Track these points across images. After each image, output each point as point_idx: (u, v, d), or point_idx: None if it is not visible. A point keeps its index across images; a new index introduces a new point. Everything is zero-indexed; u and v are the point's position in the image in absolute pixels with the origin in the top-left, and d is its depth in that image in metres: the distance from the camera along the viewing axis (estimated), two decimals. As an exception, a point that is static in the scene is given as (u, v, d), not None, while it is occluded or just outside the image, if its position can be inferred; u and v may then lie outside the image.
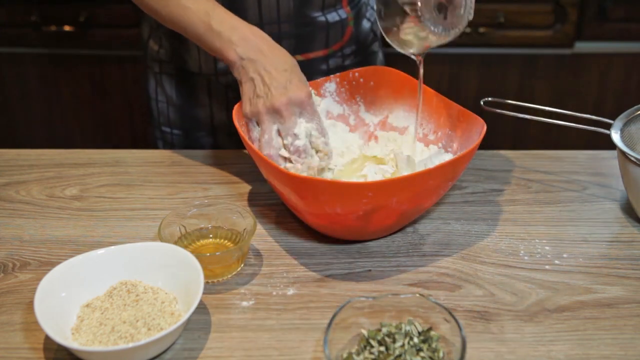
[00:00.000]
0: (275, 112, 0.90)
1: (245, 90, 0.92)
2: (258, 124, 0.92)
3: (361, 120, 1.06)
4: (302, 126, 0.91)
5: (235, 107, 0.94)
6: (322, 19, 1.11)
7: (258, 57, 0.91)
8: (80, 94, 2.01)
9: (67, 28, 1.89)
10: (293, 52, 1.04)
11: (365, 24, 1.20)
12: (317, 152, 0.93)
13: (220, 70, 1.12)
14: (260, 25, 1.04)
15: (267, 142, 0.91)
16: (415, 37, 0.88)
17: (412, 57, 0.92)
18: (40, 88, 2.01)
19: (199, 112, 1.18)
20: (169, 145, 1.23)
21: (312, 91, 0.95)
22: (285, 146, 0.91)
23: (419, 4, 0.83)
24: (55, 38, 1.91)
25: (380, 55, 1.26)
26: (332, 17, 1.12)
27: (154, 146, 1.25)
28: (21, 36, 1.92)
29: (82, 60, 1.96)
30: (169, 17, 0.96)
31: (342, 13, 1.13)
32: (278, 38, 1.05)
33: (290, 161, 0.91)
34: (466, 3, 0.85)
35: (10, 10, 1.89)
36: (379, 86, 1.04)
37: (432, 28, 0.84)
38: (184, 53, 1.13)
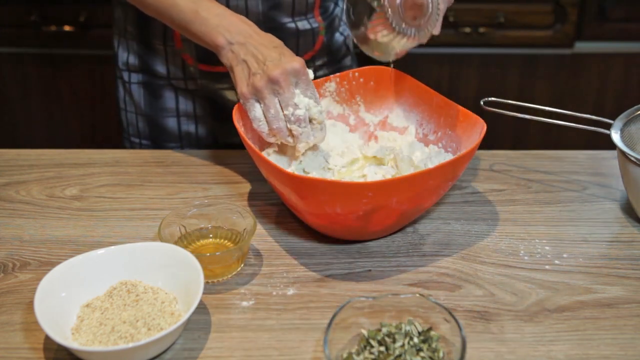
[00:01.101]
0: (274, 84, 0.89)
1: (238, 72, 0.92)
2: (259, 100, 0.91)
3: (361, 120, 1.06)
4: (300, 96, 0.90)
5: (235, 107, 0.94)
6: (292, 25, 1.10)
7: (247, 40, 0.92)
8: (80, 94, 2.01)
9: (67, 28, 1.89)
10: None
11: (338, 37, 1.20)
12: (311, 121, 0.92)
13: (188, 75, 1.12)
14: None
15: (274, 116, 0.90)
16: (384, 39, 0.87)
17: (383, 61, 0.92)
18: (40, 88, 2.00)
19: (167, 122, 1.17)
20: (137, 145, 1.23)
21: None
22: (285, 116, 0.90)
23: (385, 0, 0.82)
24: (55, 38, 1.91)
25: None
26: (303, 24, 1.11)
27: None
28: (21, 36, 1.92)
29: (82, 60, 1.96)
30: (155, 5, 0.97)
31: (313, 22, 1.13)
32: None
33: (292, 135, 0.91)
34: (433, 2, 0.84)
35: (10, 10, 1.89)
36: (379, 86, 1.04)
37: (399, 28, 0.84)
38: (152, 58, 1.13)
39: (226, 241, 0.90)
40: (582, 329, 0.78)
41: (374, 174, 0.95)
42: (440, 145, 0.98)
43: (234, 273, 0.86)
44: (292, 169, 0.94)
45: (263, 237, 0.92)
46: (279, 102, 0.90)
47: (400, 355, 0.69)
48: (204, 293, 0.79)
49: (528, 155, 1.11)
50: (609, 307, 0.81)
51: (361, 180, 0.95)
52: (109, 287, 0.80)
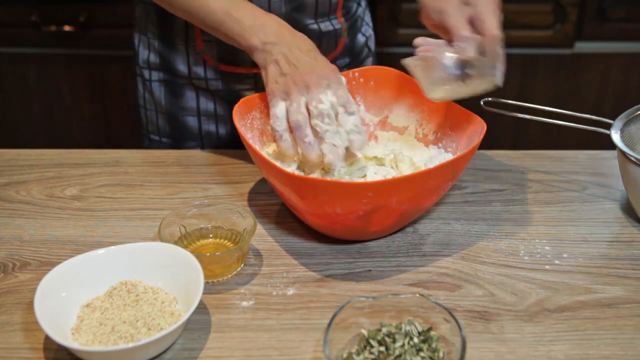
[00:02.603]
0: (304, 86, 0.89)
1: (270, 71, 0.92)
2: (286, 99, 0.90)
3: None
4: (327, 94, 0.90)
5: (235, 107, 0.94)
6: (315, 27, 1.10)
7: (280, 40, 0.92)
8: (80, 94, 2.01)
9: (67, 28, 1.89)
10: None
11: (360, 38, 1.19)
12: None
13: (209, 75, 1.12)
14: None
15: (296, 109, 0.89)
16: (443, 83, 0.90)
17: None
18: (40, 88, 2.00)
19: (187, 120, 1.17)
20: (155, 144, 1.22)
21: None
22: (309, 112, 0.89)
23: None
24: (55, 38, 1.91)
25: None
26: (326, 26, 1.11)
27: None
28: (21, 36, 1.92)
29: (82, 60, 1.96)
30: (187, 9, 0.96)
31: (336, 23, 1.12)
32: None
33: (316, 135, 0.89)
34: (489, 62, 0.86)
35: (10, 10, 1.89)
36: (379, 86, 1.04)
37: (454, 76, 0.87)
38: (174, 58, 1.13)
39: (226, 241, 0.90)
40: (582, 329, 0.78)
41: (374, 174, 0.95)
42: (440, 145, 0.98)
43: (234, 273, 0.86)
44: (292, 168, 0.94)
45: (263, 237, 0.92)
46: (306, 100, 0.90)
47: (400, 355, 0.69)
48: (204, 293, 0.79)
49: (528, 155, 1.11)
50: (609, 307, 0.81)
51: (361, 180, 0.95)
52: (109, 287, 0.80)
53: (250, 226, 0.86)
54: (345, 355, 0.71)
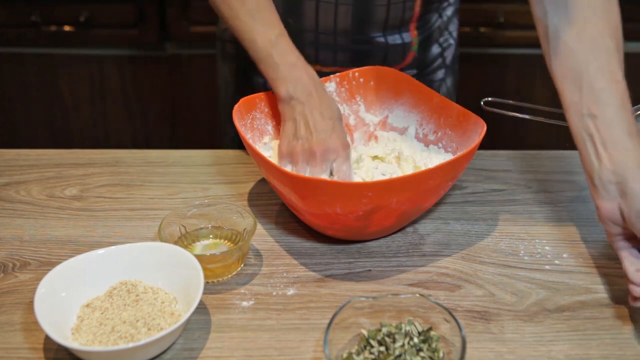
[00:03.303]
0: (311, 156, 0.90)
1: (287, 128, 0.92)
2: (291, 162, 0.92)
3: (361, 120, 1.05)
4: (329, 169, 0.91)
5: (235, 107, 0.94)
6: (382, 39, 1.08)
7: (307, 99, 0.92)
8: (80, 94, 2.01)
9: (67, 28, 1.89)
10: (348, 64, 1.03)
11: (435, 49, 1.16)
12: None
13: None
14: (316, 33, 1.04)
15: None
16: None
17: None
18: (40, 88, 2.00)
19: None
20: (235, 143, 1.20)
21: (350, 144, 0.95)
22: None
23: None
24: (55, 38, 1.91)
25: (447, 84, 1.20)
26: (394, 39, 1.09)
27: (218, 145, 1.23)
28: (21, 36, 1.92)
29: (82, 60, 1.96)
30: (235, 29, 0.96)
31: (406, 37, 1.10)
32: (333, 49, 1.05)
33: None
34: None
35: (10, 10, 1.89)
36: (379, 86, 1.04)
37: None
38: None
39: (226, 241, 0.90)
40: (582, 329, 0.78)
41: (374, 169, 0.96)
42: (440, 145, 0.98)
43: (234, 273, 0.86)
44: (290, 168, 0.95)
45: (263, 237, 0.92)
46: (309, 171, 0.91)
47: (400, 355, 0.69)
48: (204, 293, 0.79)
49: (528, 155, 1.11)
50: (609, 307, 0.81)
51: (358, 173, 0.95)
52: (109, 287, 0.80)
53: (250, 226, 0.86)
54: (345, 355, 0.71)
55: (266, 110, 0.98)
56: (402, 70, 1.12)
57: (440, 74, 1.19)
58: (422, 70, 1.16)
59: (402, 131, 1.04)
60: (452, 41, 1.18)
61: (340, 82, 1.04)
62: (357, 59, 1.08)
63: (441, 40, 1.16)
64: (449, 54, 1.19)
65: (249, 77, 1.16)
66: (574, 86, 0.84)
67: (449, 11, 1.15)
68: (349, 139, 0.96)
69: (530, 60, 1.93)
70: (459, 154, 0.93)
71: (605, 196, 0.79)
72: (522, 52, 1.93)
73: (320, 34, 1.05)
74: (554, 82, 0.86)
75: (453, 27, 1.18)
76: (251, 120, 0.97)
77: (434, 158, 0.96)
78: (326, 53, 1.07)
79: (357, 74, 1.04)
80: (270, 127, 0.99)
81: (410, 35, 1.10)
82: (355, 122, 1.06)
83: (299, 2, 1.03)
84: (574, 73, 0.84)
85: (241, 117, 0.94)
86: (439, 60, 1.17)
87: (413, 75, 1.14)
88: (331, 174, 0.92)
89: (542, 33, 0.88)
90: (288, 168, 0.92)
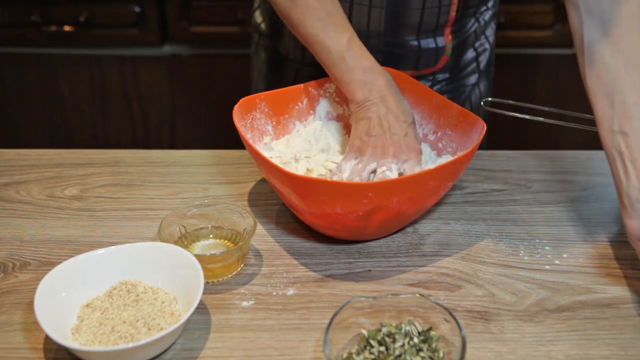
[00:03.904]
0: (382, 153, 0.90)
1: (359, 127, 0.92)
2: (359, 157, 0.91)
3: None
4: (400, 166, 0.91)
5: (235, 107, 0.94)
6: (415, 43, 1.07)
7: (382, 101, 0.91)
8: (80, 94, 2.01)
9: (67, 28, 1.89)
10: (380, 65, 1.03)
11: (470, 54, 1.14)
12: None
13: (306, 58, 1.11)
14: None
15: (359, 170, 0.90)
16: None
17: None
18: (40, 88, 2.01)
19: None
20: None
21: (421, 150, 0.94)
22: (374, 173, 0.90)
23: None
24: (55, 38, 1.91)
25: (480, 89, 1.18)
26: (427, 43, 1.07)
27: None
28: (21, 36, 1.92)
29: (82, 60, 1.96)
30: (306, 36, 0.94)
31: (440, 41, 1.08)
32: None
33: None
34: None
35: (10, 10, 1.89)
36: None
37: None
38: (279, 34, 1.13)
39: (226, 241, 0.90)
40: (582, 329, 0.78)
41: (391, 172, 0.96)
42: (440, 145, 0.98)
43: (234, 273, 0.86)
44: (290, 167, 0.95)
45: (263, 237, 0.92)
46: (375, 166, 0.90)
47: (400, 355, 0.69)
48: (204, 293, 0.79)
49: (528, 155, 1.11)
50: (609, 307, 0.81)
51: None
52: (109, 287, 0.80)
53: (250, 226, 0.86)
54: (345, 355, 0.71)
55: (266, 110, 0.98)
56: (434, 74, 1.12)
57: (473, 78, 1.17)
58: (455, 75, 1.14)
59: (402, 131, 1.04)
60: (487, 46, 1.16)
61: (340, 82, 1.04)
62: (390, 61, 1.06)
63: (477, 44, 1.15)
64: (484, 59, 1.17)
65: (281, 70, 1.16)
66: (606, 101, 0.83)
67: (486, 15, 1.13)
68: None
69: (530, 60, 1.93)
70: (458, 154, 0.93)
71: (633, 214, 0.79)
72: (522, 52, 1.93)
73: None
74: (587, 95, 0.85)
75: (490, 32, 1.16)
76: (251, 121, 0.97)
77: (434, 158, 0.96)
78: None
79: None
80: (270, 128, 0.99)
81: (445, 40, 1.09)
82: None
83: None
84: (606, 88, 0.83)
85: (241, 117, 0.94)
86: (473, 65, 1.16)
87: (445, 79, 1.13)
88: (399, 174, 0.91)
89: (578, 45, 0.86)
90: (351, 162, 0.91)
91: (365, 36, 1.03)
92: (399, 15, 1.03)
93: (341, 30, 0.93)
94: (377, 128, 0.90)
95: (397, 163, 0.90)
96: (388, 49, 1.07)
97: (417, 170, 0.90)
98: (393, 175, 0.89)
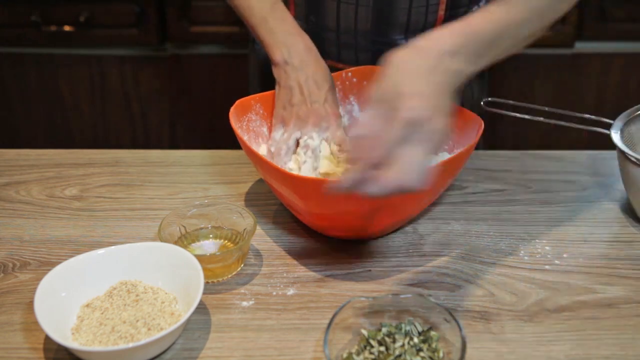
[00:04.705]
0: (303, 122, 0.93)
1: (282, 94, 0.95)
2: (284, 127, 0.95)
3: (355, 120, 1.05)
4: (321, 133, 0.94)
5: (232, 109, 0.93)
6: (403, 42, 1.06)
7: (301, 65, 0.94)
8: (80, 94, 2.01)
9: (67, 28, 1.89)
10: (370, 64, 1.03)
11: None
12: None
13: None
14: (337, 33, 1.05)
15: (285, 139, 0.93)
16: None
17: None
18: (40, 88, 2.00)
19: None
20: None
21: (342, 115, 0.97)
22: (297, 141, 0.94)
23: None
24: (55, 38, 1.91)
25: (472, 89, 1.16)
26: None
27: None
28: (21, 36, 1.92)
29: (82, 60, 1.96)
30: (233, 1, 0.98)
31: None
32: (354, 49, 1.06)
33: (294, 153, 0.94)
34: None
35: (10, 10, 1.89)
36: (372, 86, 1.04)
37: None
38: None
39: (226, 241, 0.90)
40: (582, 329, 0.78)
41: None
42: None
43: (234, 273, 0.86)
44: (288, 168, 0.94)
45: (263, 237, 0.92)
46: (299, 134, 0.94)
47: (400, 355, 0.69)
48: (204, 293, 0.79)
49: (528, 155, 1.11)
50: (609, 307, 0.81)
51: None
52: (109, 287, 0.80)
53: (250, 226, 0.86)
54: (345, 355, 0.71)
55: (261, 112, 0.98)
56: None
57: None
58: None
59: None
60: None
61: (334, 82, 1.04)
62: (378, 61, 1.06)
63: None
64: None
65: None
66: None
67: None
68: (341, 109, 0.99)
69: (530, 60, 1.93)
70: (455, 151, 0.93)
71: None
72: (522, 52, 1.92)
73: (341, 34, 1.05)
74: None
75: None
76: (247, 123, 0.96)
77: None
78: (348, 52, 1.07)
79: (350, 74, 1.03)
80: (265, 130, 0.99)
81: None
82: (350, 123, 1.05)
83: (321, 1, 1.03)
84: None
85: (237, 119, 0.94)
86: None
87: None
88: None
89: None
90: (279, 132, 0.95)
91: (354, 35, 1.04)
92: (385, 14, 1.03)
93: None
94: (298, 96, 0.93)
95: (319, 131, 0.94)
96: (377, 48, 1.07)
97: (339, 134, 0.93)
98: (315, 143, 0.93)
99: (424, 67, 0.70)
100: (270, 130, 1.00)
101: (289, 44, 0.94)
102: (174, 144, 2.05)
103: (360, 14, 1.03)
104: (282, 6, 0.97)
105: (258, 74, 1.21)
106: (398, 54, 0.72)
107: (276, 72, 0.95)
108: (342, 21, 1.04)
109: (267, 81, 1.18)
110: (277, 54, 0.94)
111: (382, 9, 1.02)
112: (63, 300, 0.77)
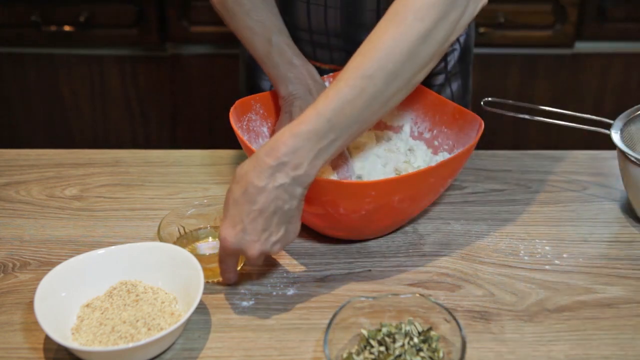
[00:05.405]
0: None
1: (283, 119, 0.96)
2: None
3: None
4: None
5: (232, 109, 0.93)
6: None
7: (306, 96, 0.96)
8: (80, 94, 2.01)
9: (67, 28, 1.89)
10: (344, 62, 1.04)
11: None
12: None
13: None
14: (310, 33, 1.05)
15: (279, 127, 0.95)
16: None
17: None
18: (40, 88, 2.00)
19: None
20: None
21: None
22: None
23: None
24: (55, 38, 1.91)
25: (451, 89, 1.15)
26: None
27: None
28: (21, 36, 1.92)
29: (82, 60, 1.96)
30: (234, 31, 1.00)
31: None
32: (328, 48, 1.06)
33: None
34: None
35: (10, 10, 1.89)
36: None
37: None
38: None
39: (226, 241, 0.90)
40: (582, 329, 0.78)
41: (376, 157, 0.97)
42: (436, 143, 0.99)
43: (234, 273, 0.86)
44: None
45: (263, 237, 0.92)
46: None
47: (400, 355, 0.69)
48: (204, 293, 0.79)
49: (528, 155, 1.11)
50: (609, 307, 0.81)
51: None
52: (109, 287, 0.80)
53: (250, 226, 0.86)
54: (345, 355, 0.71)
55: (261, 112, 0.98)
56: None
57: (440, 79, 1.15)
58: None
59: (397, 129, 1.04)
60: (456, 46, 1.14)
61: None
62: None
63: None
64: (452, 59, 1.15)
65: (259, 78, 1.17)
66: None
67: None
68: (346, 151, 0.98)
69: (530, 60, 1.93)
70: (455, 151, 0.93)
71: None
72: (522, 52, 1.93)
73: (314, 34, 1.06)
74: None
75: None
76: (247, 122, 0.97)
77: (432, 156, 0.96)
78: (322, 51, 1.08)
79: (332, 79, 1.03)
80: (265, 129, 0.99)
81: None
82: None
83: (292, 2, 1.03)
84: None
85: (237, 119, 0.94)
86: (441, 65, 1.14)
87: None
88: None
89: None
90: None
91: (326, 35, 1.05)
92: (354, 16, 1.03)
93: (267, 26, 0.97)
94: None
95: None
96: (350, 47, 1.07)
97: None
98: None
99: (251, 190, 0.74)
100: (270, 130, 1.00)
101: (292, 77, 0.96)
102: (174, 144, 2.05)
103: (329, 15, 1.04)
104: (284, 37, 0.98)
105: (245, 72, 1.22)
106: (241, 170, 0.76)
107: (281, 100, 0.97)
108: (314, 22, 1.04)
109: (253, 81, 1.19)
110: (282, 88, 0.97)
111: (349, 11, 1.03)
112: (63, 300, 0.77)
